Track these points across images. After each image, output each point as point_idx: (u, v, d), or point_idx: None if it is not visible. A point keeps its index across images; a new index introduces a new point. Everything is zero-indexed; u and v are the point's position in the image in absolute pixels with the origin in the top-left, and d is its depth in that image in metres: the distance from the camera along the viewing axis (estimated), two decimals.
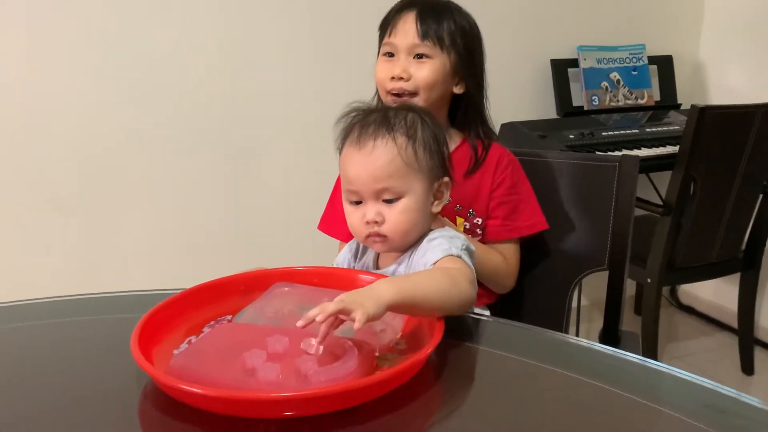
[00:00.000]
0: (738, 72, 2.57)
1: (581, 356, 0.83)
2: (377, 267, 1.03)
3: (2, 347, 0.88)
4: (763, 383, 2.26)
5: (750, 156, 1.95)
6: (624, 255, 1.24)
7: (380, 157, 0.92)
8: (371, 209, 0.93)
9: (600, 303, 1.31)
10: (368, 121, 0.95)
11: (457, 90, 1.20)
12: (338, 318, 0.73)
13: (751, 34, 2.49)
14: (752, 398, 0.69)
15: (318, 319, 0.71)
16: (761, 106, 1.91)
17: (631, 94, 2.48)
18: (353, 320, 0.71)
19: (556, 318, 1.29)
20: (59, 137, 1.85)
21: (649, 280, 2.04)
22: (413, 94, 1.16)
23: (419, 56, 1.16)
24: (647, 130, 2.33)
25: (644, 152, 2.15)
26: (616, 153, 2.08)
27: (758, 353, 2.34)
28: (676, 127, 2.32)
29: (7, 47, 1.77)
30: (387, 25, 1.20)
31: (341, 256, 1.09)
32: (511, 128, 2.18)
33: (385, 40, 1.20)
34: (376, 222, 0.93)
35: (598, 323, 1.30)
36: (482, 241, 1.20)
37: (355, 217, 0.96)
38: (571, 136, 2.18)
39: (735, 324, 2.33)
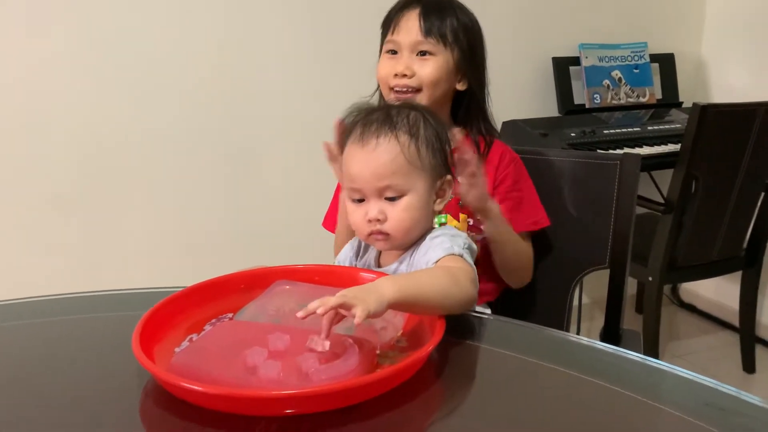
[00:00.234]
0: (740, 70, 2.57)
1: (582, 354, 0.83)
2: (379, 265, 1.03)
3: (2, 345, 0.88)
4: (764, 382, 2.26)
5: (751, 154, 1.95)
6: (625, 253, 1.24)
7: (383, 154, 0.92)
8: (374, 207, 0.93)
9: (601, 301, 1.31)
10: (371, 119, 0.95)
11: (460, 87, 1.20)
12: (339, 313, 0.73)
13: (753, 32, 2.49)
14: (753, 396, 0.69)
15: (319, 311, 0.71)
16: (763, 105, 1.91)
17: (633, 92, 2.48)
18: (353, 316, 0.70)
19: (557, 316, 1.29)
20: (59, 137, 1.85)
21: (650, 279, 2.04)
22: (417, 90, 1.16)
23: (422, 53, 1.16)
24: (649, 128, 2.33)
25: (646, 150, 2.15)
26: (618, 151, 2.08)
27: (759, 352, 2.34)
28: (677, 126, 2.31)
29: (7, 47, 1.77)
30: (390, 23, 1.20)
31: (342, 254, 1.09)
32: (512, 126, 2.18)
33: (388, 37, 1.20)
34: (379, 220, 0.93)
35: (599, 321, 1.30)
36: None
37: (357, 215, 0.96)
38: (573, 134, 2.18)
39: (736, 322, 2.33)
